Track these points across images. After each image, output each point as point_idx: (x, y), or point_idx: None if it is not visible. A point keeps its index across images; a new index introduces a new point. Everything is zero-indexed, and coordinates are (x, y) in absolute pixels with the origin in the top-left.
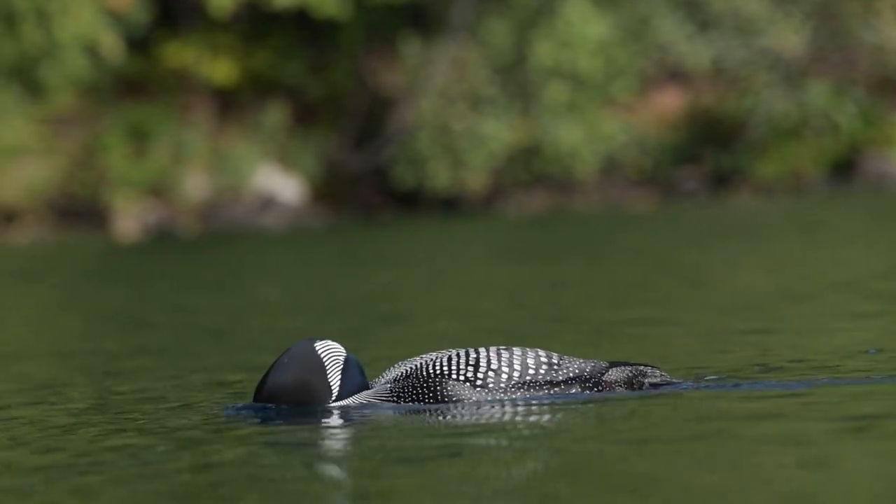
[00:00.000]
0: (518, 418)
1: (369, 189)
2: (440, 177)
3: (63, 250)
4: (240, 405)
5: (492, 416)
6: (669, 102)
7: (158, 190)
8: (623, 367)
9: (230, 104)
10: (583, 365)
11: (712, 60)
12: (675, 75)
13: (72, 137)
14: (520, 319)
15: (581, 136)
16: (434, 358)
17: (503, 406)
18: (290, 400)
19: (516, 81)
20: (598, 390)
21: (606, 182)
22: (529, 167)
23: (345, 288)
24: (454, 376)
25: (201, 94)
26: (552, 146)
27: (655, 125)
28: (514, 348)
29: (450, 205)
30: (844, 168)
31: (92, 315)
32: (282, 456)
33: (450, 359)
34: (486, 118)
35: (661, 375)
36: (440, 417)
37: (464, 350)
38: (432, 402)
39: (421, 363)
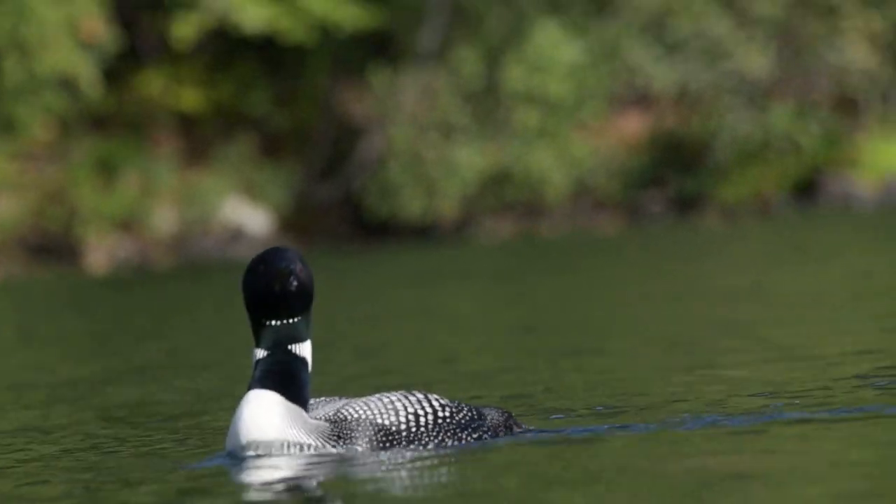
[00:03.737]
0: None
1: (338, 219)
2: (413, 206)
3: (36, 286)
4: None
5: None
6: (632, 126)
7: (129, 223)
8: (496, 410)
9: (197, 137)
10: (479, 409)
11: (678, 83)
12: (639, 99)
13: (42, 172)
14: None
15: (552, 160)
16: (372, 404)
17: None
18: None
19: (487, 107)
20: (492, 435)
21: (575, 207)
22: (500, 193)
23: (325, 318)
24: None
25: (168, 127)
26: (523, 171)
27: (620, 149)
28: (416, 392)
29: (420, 233)
30: (807, 189)
31: (65, 344)
32: None
33: (389, 405)
34: (458, 146)
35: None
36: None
37: (394, 396)
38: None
39: (362, 409)
